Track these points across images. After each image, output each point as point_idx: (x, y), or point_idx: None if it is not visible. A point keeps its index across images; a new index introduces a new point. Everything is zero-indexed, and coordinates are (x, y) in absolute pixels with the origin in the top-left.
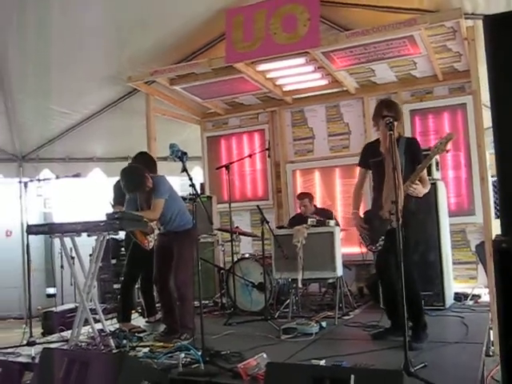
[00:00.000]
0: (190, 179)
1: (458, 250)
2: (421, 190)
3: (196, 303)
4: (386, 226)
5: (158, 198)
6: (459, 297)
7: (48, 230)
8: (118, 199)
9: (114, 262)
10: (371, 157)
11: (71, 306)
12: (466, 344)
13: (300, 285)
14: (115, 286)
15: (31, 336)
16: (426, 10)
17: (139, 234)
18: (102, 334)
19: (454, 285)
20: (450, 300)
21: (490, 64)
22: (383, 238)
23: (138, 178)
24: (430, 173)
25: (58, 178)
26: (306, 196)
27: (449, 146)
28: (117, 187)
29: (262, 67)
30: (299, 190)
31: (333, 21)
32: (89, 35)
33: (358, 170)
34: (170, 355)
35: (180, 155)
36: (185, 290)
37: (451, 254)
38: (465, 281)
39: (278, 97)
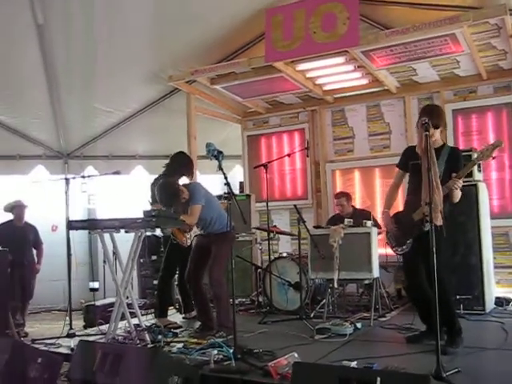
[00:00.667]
0: (225, 178)
1: (500, 254)
2: (459, 193)
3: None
4: (417, 229)
5: (194, 204)
6: (501, 301)
7: (88, 225)
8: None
9: (154, 258)
10: (410, 159)
11: (112, 300)
12: (504, 351)
13: (336, 285)
14: (155, 282)
15: (71, 328)
16: (469, 6)
17: (177, 231)
18: (138, 328)
19: (495, 289)
20: (490, 304)
21: None
22: (410, 241)
23: (172, 192)
24: (470, 174)
25: (91, 175)
26: (343, 195)
27: (494, 153)
28: (155, 186)
29: (301, 66)
30: (339, 189)
31: (372, 19)
32: (132, 34)
33: (395, 171)
34: (202, 351)
35: (216, 154)
36: (219, 289)
37: (493, 258)
38: (508, 285)
39: (319, 96)
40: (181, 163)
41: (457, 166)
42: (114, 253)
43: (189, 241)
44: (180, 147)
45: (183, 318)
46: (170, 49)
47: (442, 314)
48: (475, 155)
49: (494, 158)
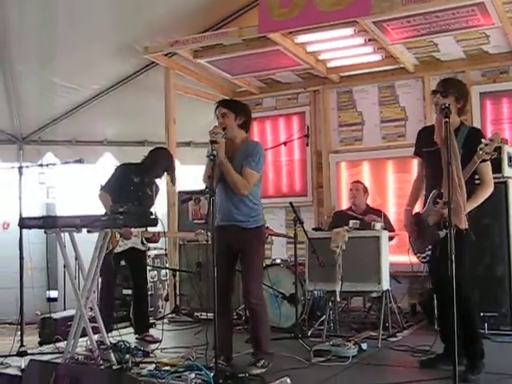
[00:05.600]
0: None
1: None
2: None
3: (210, 315)
4: (432, 235)
5: (254, 169)
6: None
7: (43, 223)
8: (113, 187)
9: (123, 263)
10: (425, 145)
11: (73, 312)
12: None
13: (338, 298)
14: (125, 292)
15: (22, 345)
16: None
17: (114, 234)
18: (102, 346)
19: None
20: None
21: None
22: (430, 247)
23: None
24: (500, 169)
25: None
26: (362, 184)
27: (505, 154)
28: (120, 173)
29: (301, 38)
30: (344, 185)
31: None
32: None
33: (415, 160)
34: (177, 375)
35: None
36: (261, 307)
37: None
38: None
39: (322, 74)
40: (161, 163)
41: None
42: (75, 257)
43: (118, 248)
44: (157, 131)
45: (136, 338)
46: (146, 15)
47: (463, 335)
48: (480, 152)
49: (494, 157)
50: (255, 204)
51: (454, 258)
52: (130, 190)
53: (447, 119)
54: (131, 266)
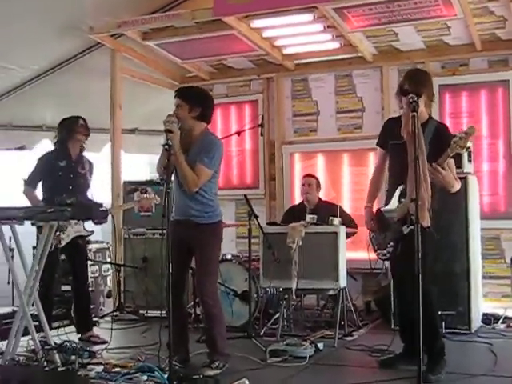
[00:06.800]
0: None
1: (489, 262)
2: (451, 179)
3: (157, 313)
4: (395, 231)
5: (207, 165)
6: (488, 319)
7: None
8: (39, 179)
9: (63, 257)
10: (391, 137)
11: (7, 310)
12: (493, 377)
13: (294, 296)
14: (64, 288)
15: None
16: None
17: None
18: (46, 347)
19: (482, 304)
20: (476, 322)
21: None
22: (393, 244)
23: None
24: (459, 165)
25: None
26: (314, 177)
27: (469, 143)
28: (43, 162)
29: (258, 23)
30: (298, 177)
31: None
32: None
33: (376, 151)
34: (129, 377)
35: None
36: (215, 307)
37: (481, 266)
38: (496, 299)
39: (277, 61)
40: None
41: (444, 148)
42: (11, 249)
43: (62, 241)
44: (101, 117)
45: (79, 339)
46: None
47: (424, 332)
48: (454, 145)
49: (467, 149)
50: (210, 200)
51: (419, 255)
52: (59, 177)
53: (415, 113)
54: (72, 260)
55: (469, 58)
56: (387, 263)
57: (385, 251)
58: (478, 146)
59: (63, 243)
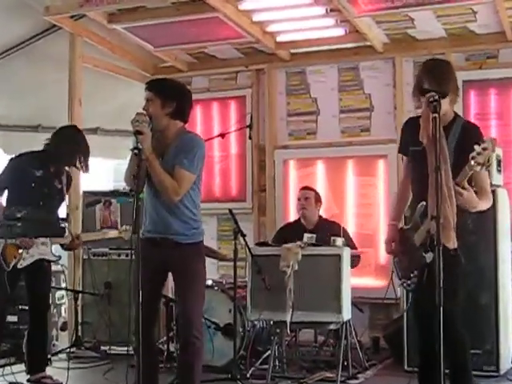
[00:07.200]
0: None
1: None
2: (472, 199)
3: (122, 349)
4: (419, 257)
5: (188, 169)
6: None
7: None
8: (6, 186)
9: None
10: (412, 142)
11: None
12: None
13: (288, 330)
14: (11, 319)
15: None
16: None
17: (10, 246)
18: None
19: None
20: (506, 363)
21: None
22: (415, 273)
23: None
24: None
25: None
26: (312, 190)
27: (493, 159)
28: (15, 166)
29: (247, 5)
30: (293, 189)
31: None
32: None
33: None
34: None
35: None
36: (200, 341)
37: None
38: None
39: (269, 50)
40: (71, 146)
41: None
42: None
43: (23, 262)
44: (55, 114)
45: (28, 380)
46: None
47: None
48: (472, 162)
49: (487, 167)
50: (193, 213)
51: (443, 285)
52: (31, 188)
53: (436, 115)
54: (32, 285)
55: (498, 48)
56: (399, 291)
57: (409, 281)
58: (509, 154)
59: (24, 264)
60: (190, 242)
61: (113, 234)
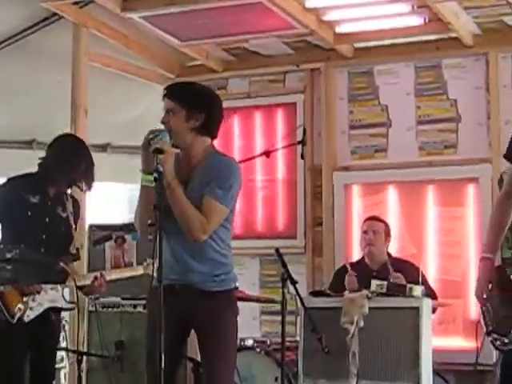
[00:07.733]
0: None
1: None
2: None
3: None
4: None
5: (221, 200)
6: None
7: None
8: None
9: None
10: None
11: None
12: None
13: None
14: None
15: None
16: None
17: (12, 293)
18: None
19: None
20: None
21: None
22: None
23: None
24: None
25: None
26: (381, 221)
27: None
28: (6, 193)
29: None
30: (357, 222)
31: None
32: None
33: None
34: None
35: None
36: None
37: None
38: None
39: (326, 44)
40: (73, 159)
41: None
42: None
43: (30, 313)
44: (53, 126)
45: None
46: None
47: None
48: None
49: None
50: (222, 255)
51: None
52: (26, 218)
53: None
54: (37, 344)
55: None
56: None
57: (505, 339)
58: None
59: (31, 316)
60: (217, 290)
61: (140, 270)
